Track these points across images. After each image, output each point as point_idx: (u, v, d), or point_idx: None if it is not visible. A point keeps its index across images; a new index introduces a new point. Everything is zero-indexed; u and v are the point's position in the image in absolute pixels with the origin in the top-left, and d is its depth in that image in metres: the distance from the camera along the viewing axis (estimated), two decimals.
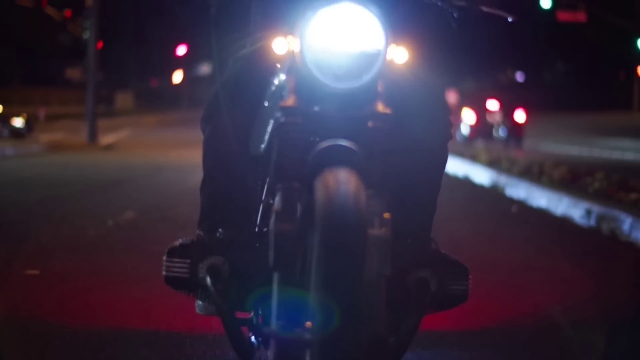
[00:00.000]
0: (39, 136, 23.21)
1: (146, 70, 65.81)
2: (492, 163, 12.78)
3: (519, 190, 9.81)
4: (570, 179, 9.17)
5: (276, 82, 2.47)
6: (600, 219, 7.00)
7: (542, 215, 8.18)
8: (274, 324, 2.15)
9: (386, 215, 2.13)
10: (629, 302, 4.46)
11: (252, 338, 2.61)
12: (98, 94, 25.85)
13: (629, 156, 18.13)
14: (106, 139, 24.32)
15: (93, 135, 23.17)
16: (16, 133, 22.90)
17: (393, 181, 2.29)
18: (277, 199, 2.22)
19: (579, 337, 3.73)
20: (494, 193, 10.53)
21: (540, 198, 8.81)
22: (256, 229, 2.57)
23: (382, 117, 2.24)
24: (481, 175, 12.20)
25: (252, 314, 2.63)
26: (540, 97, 50.78)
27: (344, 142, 2.14)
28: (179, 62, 56.51)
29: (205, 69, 63.51)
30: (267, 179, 2.48)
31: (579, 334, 3.77)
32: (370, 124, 2.24)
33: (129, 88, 58.78)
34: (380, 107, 2.26)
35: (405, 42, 2.59)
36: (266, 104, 2.52)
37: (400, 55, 2.54)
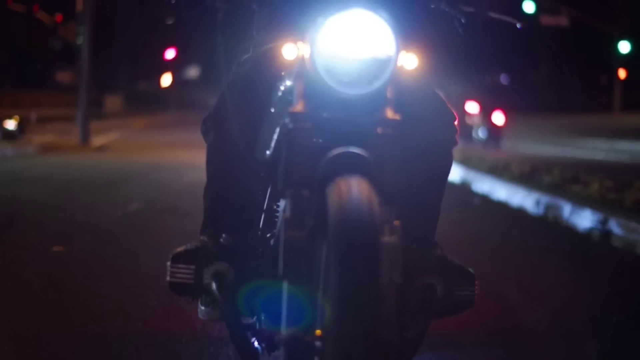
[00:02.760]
0: (32, 138, 23.02)
1: (135, 74, 66.17)
2: (464, 161, 13.26)
3: (484, 185, 10.55)
4: (528, 174, 10.13)
5: (282, 87, 2.45)
6: (547, 208, 7.89)
7: (501, 206, 9.03)
8: (283, 330, 2.15)
9: (396, 222, 2.12)
10: (561, 275, 5.27)
11: (255, 343, 2.61)
12: (88, 96, 26.04)
13: (599, 155, 18.45)
14: (98, 140, 24.26)
15: (85, 137, 23.16)
16: (8, 135, 22.70)
17: (401, 187, 2.26)
18: (287, 206, 2.19)
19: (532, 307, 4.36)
20: (461, 188, 11.09)
21: (501, 191, 9.63)
22: (259, 234, 2.58)
23: (392, 124, 2.22)
24: (452, 173, 12.80)
25: (255, 319, 2.63)
26: (523, 99, 51.42)
27: (355, 150, 2.11)
28: (168, 66, 56.67)
29: (193, 72, 63.76)
30: (271, 185, 2.53)
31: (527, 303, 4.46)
32: (379, 130, 2.21)
33: (118, 91, 58.99)
34: (390, 114, 2.23)
35: (414, 48, 2.56)
36: (272, 109, 2.51)
37: (410, 61, 2.49)
